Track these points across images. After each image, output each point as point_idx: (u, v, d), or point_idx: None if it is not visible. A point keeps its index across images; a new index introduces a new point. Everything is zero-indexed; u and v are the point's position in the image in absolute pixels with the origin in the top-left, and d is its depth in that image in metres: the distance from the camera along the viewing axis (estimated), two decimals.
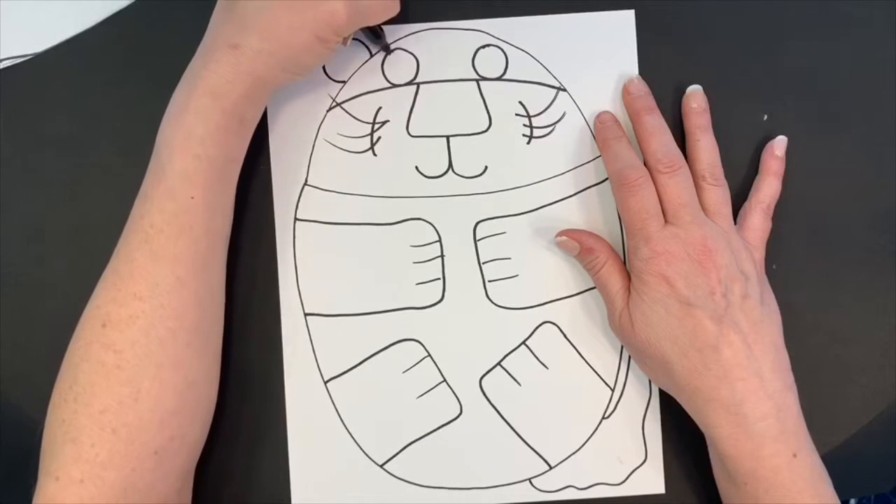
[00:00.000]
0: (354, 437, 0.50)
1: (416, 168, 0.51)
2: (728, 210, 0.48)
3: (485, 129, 0.51)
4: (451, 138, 0.51)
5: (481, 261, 0.51)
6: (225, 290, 0.47)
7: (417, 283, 0.51)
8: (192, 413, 0.45)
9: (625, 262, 0.49)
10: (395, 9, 0.46)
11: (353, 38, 0.49)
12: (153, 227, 0.43)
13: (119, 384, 0.42)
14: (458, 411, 0.51)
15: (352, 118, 0.51)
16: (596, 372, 0.51)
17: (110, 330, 0.42)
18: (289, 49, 0.44)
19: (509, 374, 0.51)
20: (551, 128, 0.51)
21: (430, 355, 0.51)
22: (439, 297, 0.51)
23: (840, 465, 0.47)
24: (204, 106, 0.43)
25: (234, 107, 0.44)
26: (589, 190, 0.51)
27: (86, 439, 0.41)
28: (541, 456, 0.51)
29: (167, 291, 0.43)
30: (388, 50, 0.51)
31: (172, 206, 0.43)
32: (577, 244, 0.49)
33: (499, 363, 0.51)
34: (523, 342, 0.51)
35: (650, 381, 0.50)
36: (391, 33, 0.51)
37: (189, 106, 0.43)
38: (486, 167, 0.51)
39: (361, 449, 0.50)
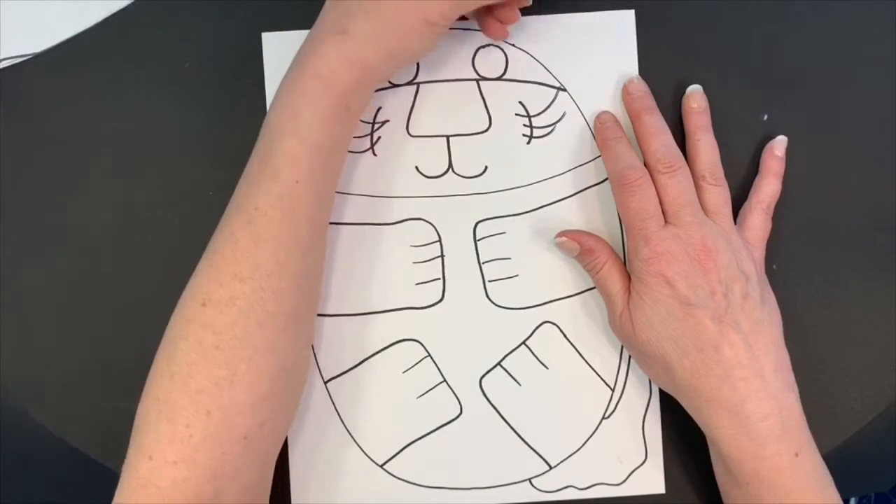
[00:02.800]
0: (354, 437, 0.50)
1: (416, 168, 0.51)
2: (728, 210, 0.48)
3: (485, 129, 0.51)
4: (450, 138, 0.51)
5: (481, 261, 0.51)
6: (322, 278, 0.47)
7: (417, 283, 0.51)
8: (283, 399, 0.44)
9: (625, 263, 0.49)
10: None
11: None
12: (257, 210, 0.43)
13: (216, 366, 0.41)
14: (458, 411, 0.51)
15: None
16: (596, 372, 0.51)
17: (210, 309, 0.42)
18: (397, 32, 0.43)
19: (509, 374, 0.51)
20: (551, 128, 0.51)
21: (430, 355, 0.51)
22: (439, 297, 0.51)
23: (840, 465, 0.47)
24: (312, 90, 0.43)
25: (341, 94, 0.43)
26: (589, 190, 0.51)
27: (181, 420, 0.41)
28: (541, 456, 0.51)
29: (267, 274, 0.42)
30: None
31: (277, 189, 0.43)
32: (577, 245, 0.49)
33: (499, 363, 0.51)
34: (523, 342, 0.51)
35: (650, 381, 0.50)
36: None
37: (296, 91, 0.43)
38: (486, 167, 0.51)
39: (361, 449, 0.50)
